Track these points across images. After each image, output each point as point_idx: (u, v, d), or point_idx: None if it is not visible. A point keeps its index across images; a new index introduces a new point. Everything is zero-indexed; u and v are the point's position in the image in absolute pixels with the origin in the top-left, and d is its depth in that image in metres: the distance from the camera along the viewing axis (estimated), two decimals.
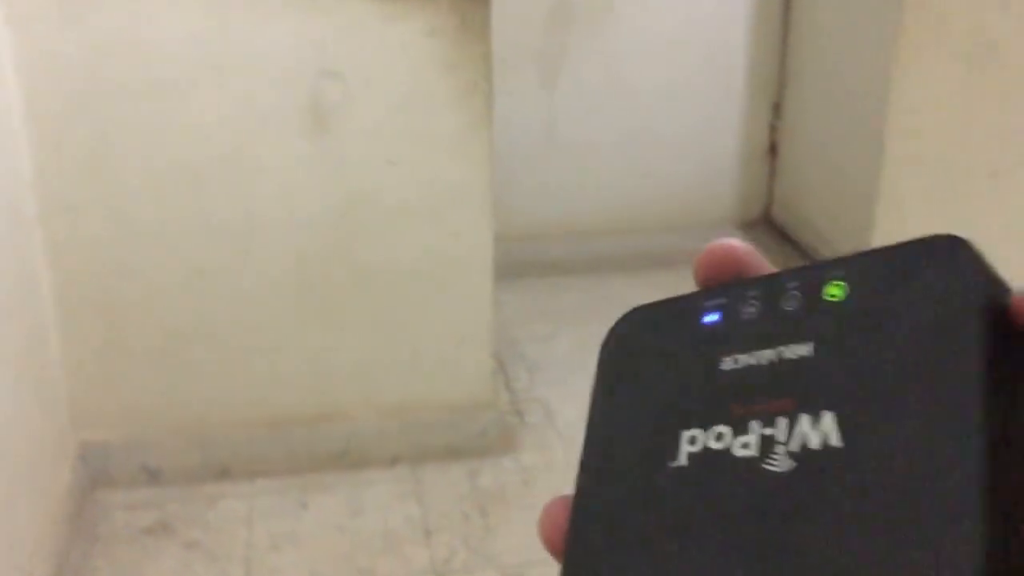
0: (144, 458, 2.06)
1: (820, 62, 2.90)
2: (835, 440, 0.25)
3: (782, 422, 0.26)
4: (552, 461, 2.18)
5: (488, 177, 2.01)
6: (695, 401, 0.28)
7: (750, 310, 0.29)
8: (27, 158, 1.83)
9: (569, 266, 3.01)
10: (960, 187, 2.56)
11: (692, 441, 0.27)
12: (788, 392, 0.26)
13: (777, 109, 3.10)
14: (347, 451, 2.14)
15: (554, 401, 2.37)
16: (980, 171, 2.55)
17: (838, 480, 0.24)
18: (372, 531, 1.98)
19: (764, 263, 0.30)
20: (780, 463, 0.25)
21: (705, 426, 0.27)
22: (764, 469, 0.26)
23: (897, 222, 2.56)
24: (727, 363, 0.28)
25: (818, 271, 0.28)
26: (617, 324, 0.32)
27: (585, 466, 0.30)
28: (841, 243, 2.78)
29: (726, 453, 0.27)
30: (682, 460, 0.27)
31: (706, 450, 0.27)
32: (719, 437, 0.27)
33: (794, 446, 0.25)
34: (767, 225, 3.21)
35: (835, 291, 0.27)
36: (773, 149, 3.14)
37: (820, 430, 0.25)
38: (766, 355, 0.27)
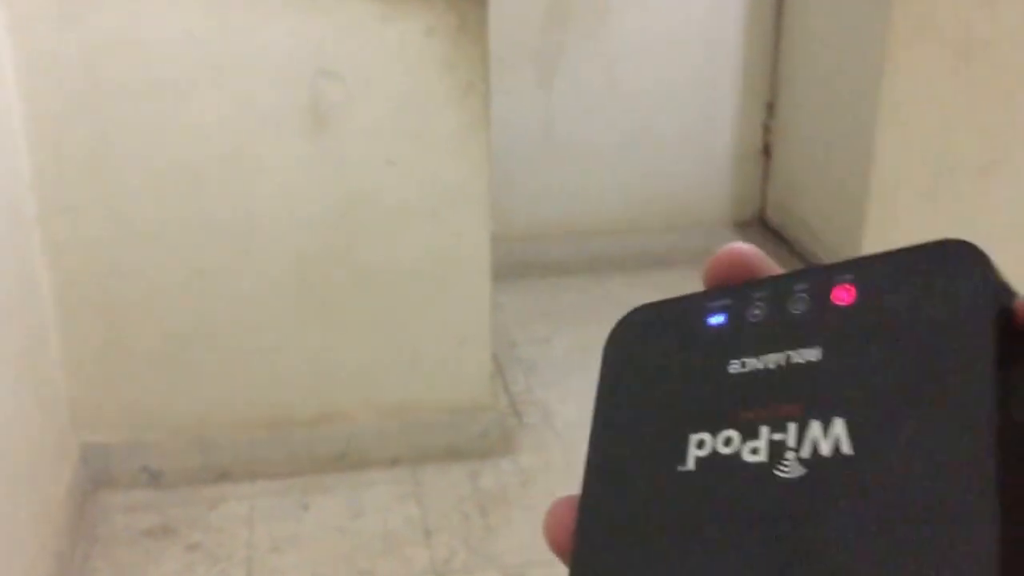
0: (145, 460, 2.06)
1: (813, 62, 2.91)
2: (846, 447, 0.25)
3: (792, 428, 0.26)
4: (551, 462, 2.19)
5: (486, 177, 2.01)
6: (703, 404, 0.28)
7: (756, 312, 0.28)
8: (27, 158, 1.83)
9: (566, 266, 3.01)
10: (950, 185, 2.57)
11: (700, 445, 0.27)
12: (797, 397, 0.26)
13: (771, 109, 3.10)
14: (347, 452, 2.14)
15: (552, 402, 2.38)
16: (970, 168, 2.56)
17: (849, 487, 0.24)
18: (373, 532, 1.98)
19: (775, 268, 0.30)
20: (791, 469, 0.25)
21: (713, 430, 0.27)
22: (775, 475, 0.25)
23: (888, 220, 2.56)
24: (735, 366, 0.28)
25: (826, 274, 0.27)
26: (620, 323, 0.32)
27: (591, 467, 0.30)
28: (834, 243, 2.79)
29: (735, 458, 0.26)
30: (690, 464, 0.27)
31: (715, 455, 0.27)
32: (728, 442, 0.27)
33: (805, 452, 0.25)
34: (761, 225, 3.21)
35: (843, 295, 0.27)
36: (767, 150, 3.15)
37: (831, 436, 0.25)
38: (774, 359, 0.27)
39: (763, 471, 0.26)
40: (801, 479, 0.25)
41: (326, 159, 1.95)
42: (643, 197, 3.10)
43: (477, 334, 2.13)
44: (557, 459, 2.19)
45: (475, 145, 1.98)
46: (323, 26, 1.87)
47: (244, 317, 2.03)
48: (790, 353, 0.27)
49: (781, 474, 0.25)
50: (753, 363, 0.28)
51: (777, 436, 0.26)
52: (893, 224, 2.57)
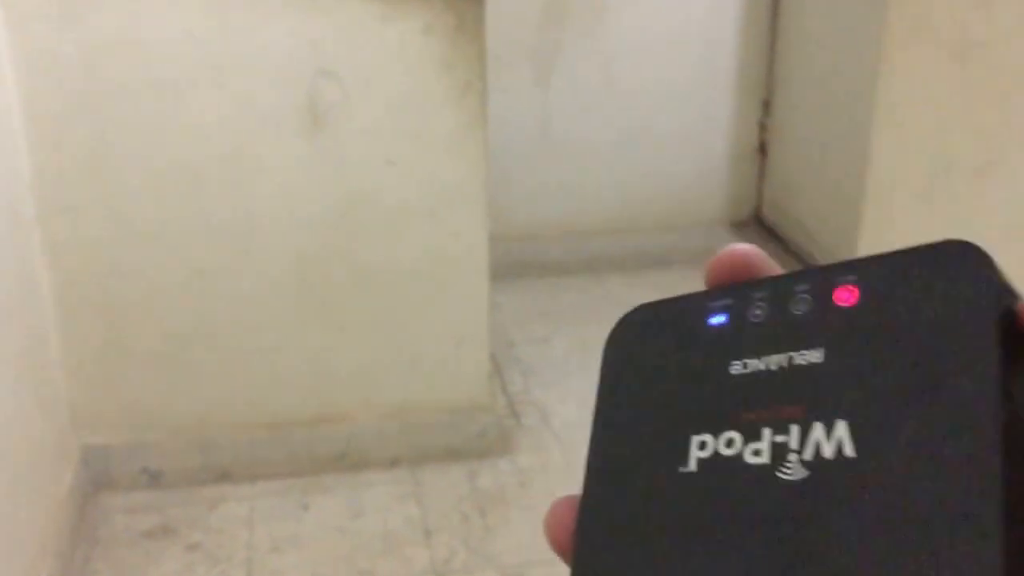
0: (145, 461, 2.07)
1: (809, 61, 2.92)
2: (848, 449, 0.24)
3: (794, 429, 0.26)
4: (548, 462, 2.19)
5: (483, 176, 2.01)
6: (704, 405, 0.28)
7: (758, 312, 0.28)
8: (26, 158, 1.82)
9: (564, 266, 3.01)
10: (946, 186, 2.58)
11: (702, 446, 0.27)
12: (800, 399, 0.26)
13: (767, 107, 3.11)
14: (347, 453, 2.15)
15: (551, 402, 2.38)
16: (966, 169, 2.57)
17: (852, 489, 0.24)
18: (372, 532, 1.99)
19: (776, 269, 0.30)
20: (793, 471, 0.25)
21: (715, 431, 0.27)
22: (777, 477, 0.25)
23: (884, 221, 2.57)
24: (736, 367, 0.28)
25: (828, 275, 0.27)
26: (621, 323, 0.31)
27: (592, 467, 0.29)
28: (830, 243, 2.80)
29: (737, 460, 0.26)
30: (692, 465, 0.27)
31: (717, 456, 0.27)
32: (730, 443, 0.27)
33: (807, 454, 0.25)
34: (756, 224, 3.22)
35: (846, 296, 0.27)
36: (763, 148, 3.16)
37: (833, 438, 0.25)
38: (776, 360, 0.27)
39: (765, 473, 0.26)
40: (803, 481, 0.25)
41: (325, 159, 1.95)
42: (640, 196, 3.11)
43: (475, 334, 2.13)
44: (555, 459, 2.20)
45: (473, 144, 1.98)
46: (322, 26, 1.87)
47: (244, 317, 2.03)
48: (792, 354, 0.27)
49: (783, 476, 0.25)
50: (755, 364, 0.27)
51: (779, 438, 0.26)
52: (889, 225, 2.58)
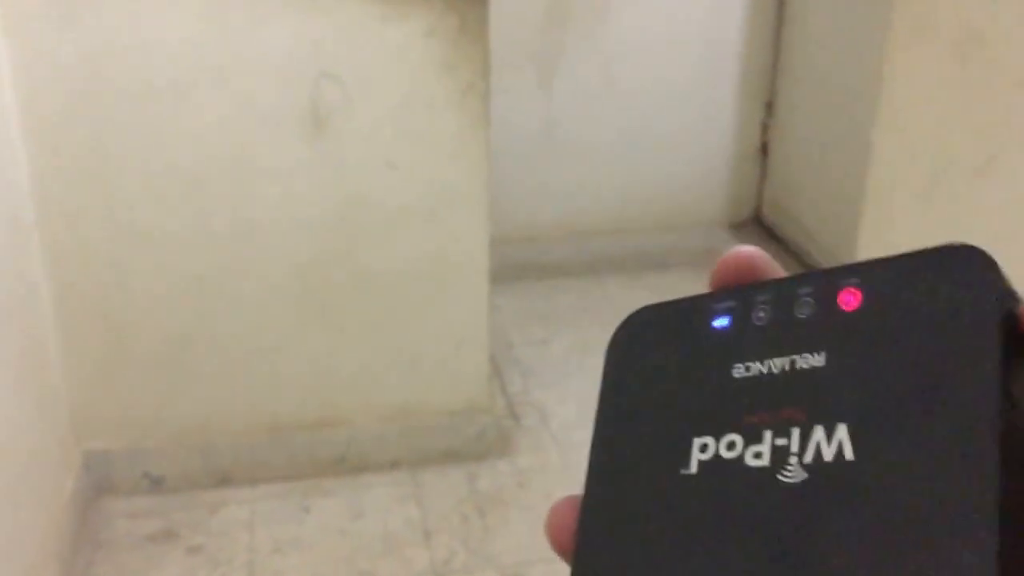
0: (146, 466, 2.07)
1: (812, 61, 2.92)
2: (849, 453, 0.25)
3: (795, 433, 0.26)
4: (547, 463, 2.20)
5: (485, 178, 2.00)
6: (706, 408, 0.28)
7: (761, 315, 0.28)
8: (25, 163, 1.81)
9: (563, 267, 3.01)
10: (946, 186, 2.58)
11: (703, 449, 0.27)
12: (801, 402, 0.26)
13: (770, 108, 3.12)
14: (347, 455, 2.15)
15: (550, 404, 2.39)
16: (966, 170, 2.57)
17: (852, 493, 0.24)
18: (373, 534, 2.00)
19: (780, 272, 0.30)
20: (793, 474, 0.25)
21: (717, 434, 0.27)
22: (777, 480, 0.25)
23: (884, 221, 2.58)
24: (739, 370, 0.28)
25: (831, 278, 0.27)
26: (623, 324, 0.31)
27: (593, 468, 0.30)
28: (830, 243, 2.80)
29: (738, 462, 0.26)
30: (693, 467, 0.27)
31: (718, 458, 0.27)
32: (731, 446, 0.27)
33: (808, 457, 0.25)
34: (756, 225, 3.22)
35: (849, 299, 0.27)
36: (764, 148, 3.16)
37: (834, 442, 0.25)
38: (779, 363, 0.27)
39: (766, 475, 0.26)
40: (803, 484, 0.25)
41: (326, 162, 1.95)
42: (641, 197, 3.11)
43: (475, 336, 2.14)
44: (554, 460, 2.20)
45: (475, 146, 1.98)
46: (323, 27, 1.85)
47: (244, 321, 2.03)
48: (794, 357, 0.27)
49: (784, 479, 0.25)
50: (757, 367, 0.28)
51: (780, 441, 0.26)
52: (889, 225, 2.59)
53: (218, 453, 2.09)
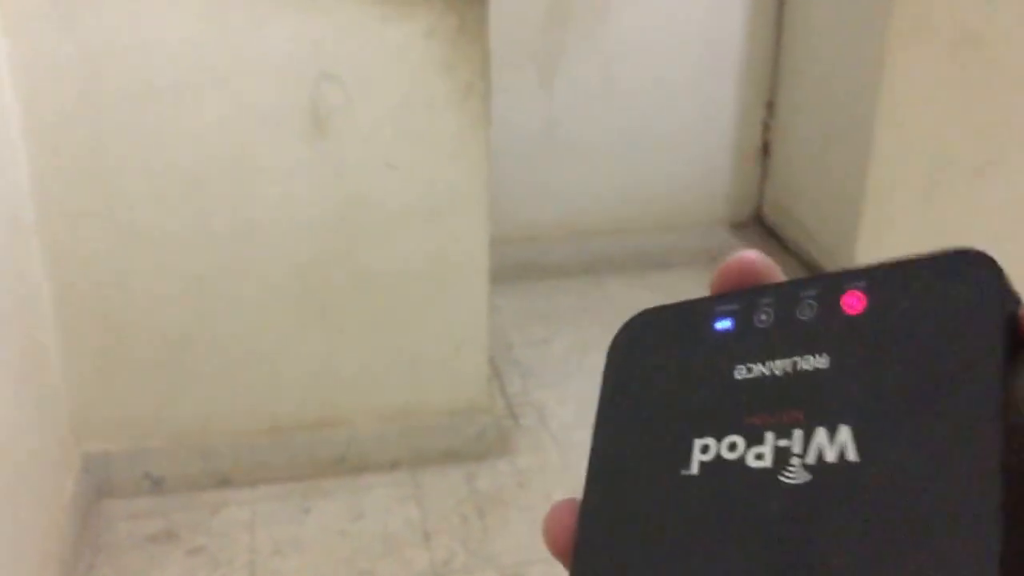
0: (147, 467, 2.07)
1: (813, 61, 2.92)
2: (851, 454, 0.25)
3: (797, 434, 0.26)
4: (547, 463, 2.20)
5: (485, 178, 2.00)
6: (708, 409, 0.28)
7: (764, 318, 0.28)
8: (25, 164, 1.81)
9: (563, 267, 3.02)
10: (946, 185, 2.58)
11: (705, 450, 0.27)
12: (803, 404, 0.26)
13: (770, 108, 3.12)
14: (347, 456, 2.15)
15: (549, 404, 2.39)
16: (966, 169, 2.57)
17: (855, 495, 0.24)
18: (373, 534, 2.00)
19: (782, 276, 0.30)
20: (796, 476, 0.25)
21: (718, 435, 0.27)
22: (779, 481, 0.25)
23: (884, 221, 2.58)
24: (741, 371, 0.28)
25: (835, 281, 0.27)
26: (626, 326, 0.31)
27: (594, 469, 0.30)
28: (830, 243, 2.80)
29: (740, 463, 0.26)
30: (694, 469, 0.27)
31: (719, 459, 0.27)
32: (732, 447, 0.27)
33: (810, 459, 0.25)
34: (757, 224, 3.22)
35: (853, 303, 0.27)
36: (765, 148, 3.16)
37: (836, 443, 0.25)
38: (781, 365, 0.27)
39: (768, 477, 0.26)
40: (806, 486, 0.25)
41: (326, 162, 1.94)
42: (641, 196, 3.10)
43: (475, 337, 2.14)
44: (553, 460, 2.20)
45: (475, 147, 1.98)
46: (323, 27, 1.85)
47: (244, 322, 2.03)
48: (797, 359, 0.27)
49: (786, 480, 0.25)
50: (759, 368, 0.28)
51: (782, 442, 0.26)
52: (888, 225, 2.59)
53: (218, 454, 2.09)
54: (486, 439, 2.20)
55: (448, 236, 2.04)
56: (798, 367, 0.27)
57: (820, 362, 0.26)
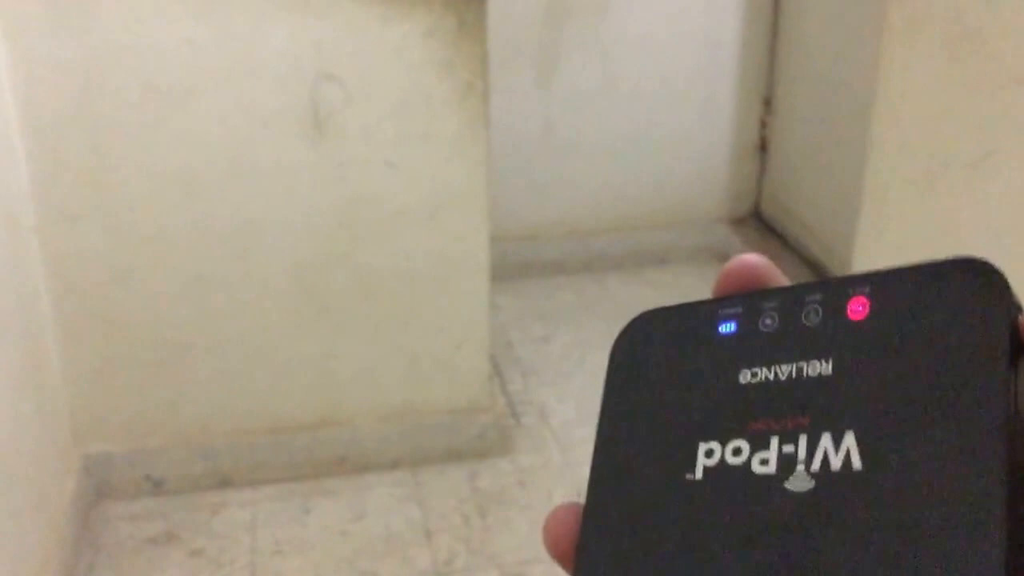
0: (147, 468, 2.07)
1: (810, 57, 2.92)
2: (856, 461, 0.25)
3: (802, 440, 0.26)
4: (548, 462, 2.20)
5: (485, 178, 2.00)
6: (712, 413, 0.28)
7: (768, 322, 0.28)
8: (24, 166, 1.81)
9: (563, 265, 3.02)
10: (945, 181, 2.58)
11: (709, 454, 0.27)
12: (808, 410, 0.26)
13: (768, 104, 3.12)
14: (348, 456, 2.15)
15: (550, 402, 2.39)
16: (964, 164, 2.57)
17: (859, 502, 0.24)
18: (374, 534, 2.00)
19: (785, 280, 0.30)
20: (800, 482, 0.25)
21: (723, 440, 0.27)
22: (784, 487, 0.25)
23: (882, 217, 2.58)
24: (745, 376, 0.28)
25: (840, 287, 0.27)
26: (628, 327, 0.31)
27: (597, 472, 0.29)
28: (828, 239, 2.81)
29: (744, 469, 0.26)
30: (698, 473, 0.27)
31: (723, 464, 0.27)
32: (737, 452, 0.27)
33: (815, 465, 0.25)
34: (755, 220, 3.23)
35: (858, 308, 0.27)
36: (763, 145, 3.16)
37: (841, 450, 0.25)
38: (786, 370, 0.27)
39: (772, 483, 0.26)
40: (810, 492, 0.25)
41: (325, 163, 1.94)
42: (640, 194, 3.11)
43: (475, 336, 2.14)
44: (554, 459, 2.20)
45: (474, 146, 1.98)
46: (322, 28, 1.85)
47: (244, 322, 2.03)
48: (802, 364, 0.27)
49: (790, 486, 0.25)
50: (764, 373, 0.27)
51: (787, 448, 0.26)
52: (887, 220, 2.59)
53: (219, 455, 2.09)
54: (487, 438, 2.20)
55: (448, 235, 2.04)
56: (803, 372, 0.27)
57: (825, 368, 0.26)
